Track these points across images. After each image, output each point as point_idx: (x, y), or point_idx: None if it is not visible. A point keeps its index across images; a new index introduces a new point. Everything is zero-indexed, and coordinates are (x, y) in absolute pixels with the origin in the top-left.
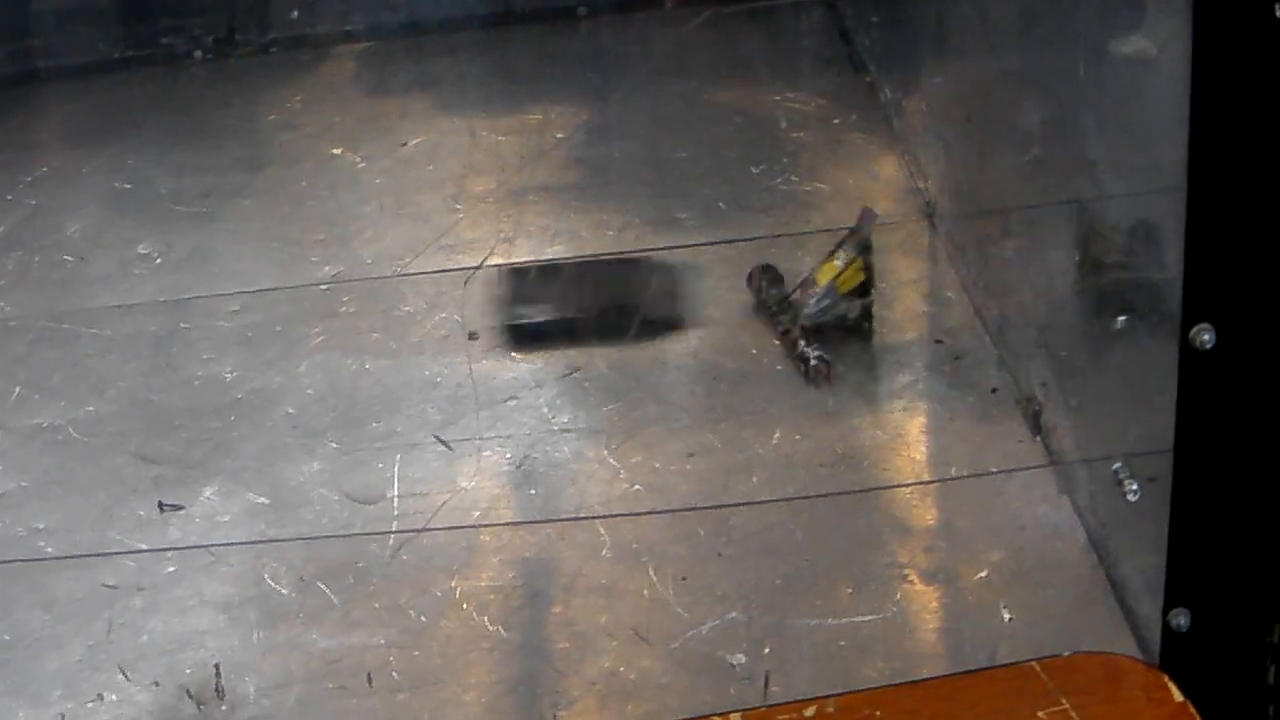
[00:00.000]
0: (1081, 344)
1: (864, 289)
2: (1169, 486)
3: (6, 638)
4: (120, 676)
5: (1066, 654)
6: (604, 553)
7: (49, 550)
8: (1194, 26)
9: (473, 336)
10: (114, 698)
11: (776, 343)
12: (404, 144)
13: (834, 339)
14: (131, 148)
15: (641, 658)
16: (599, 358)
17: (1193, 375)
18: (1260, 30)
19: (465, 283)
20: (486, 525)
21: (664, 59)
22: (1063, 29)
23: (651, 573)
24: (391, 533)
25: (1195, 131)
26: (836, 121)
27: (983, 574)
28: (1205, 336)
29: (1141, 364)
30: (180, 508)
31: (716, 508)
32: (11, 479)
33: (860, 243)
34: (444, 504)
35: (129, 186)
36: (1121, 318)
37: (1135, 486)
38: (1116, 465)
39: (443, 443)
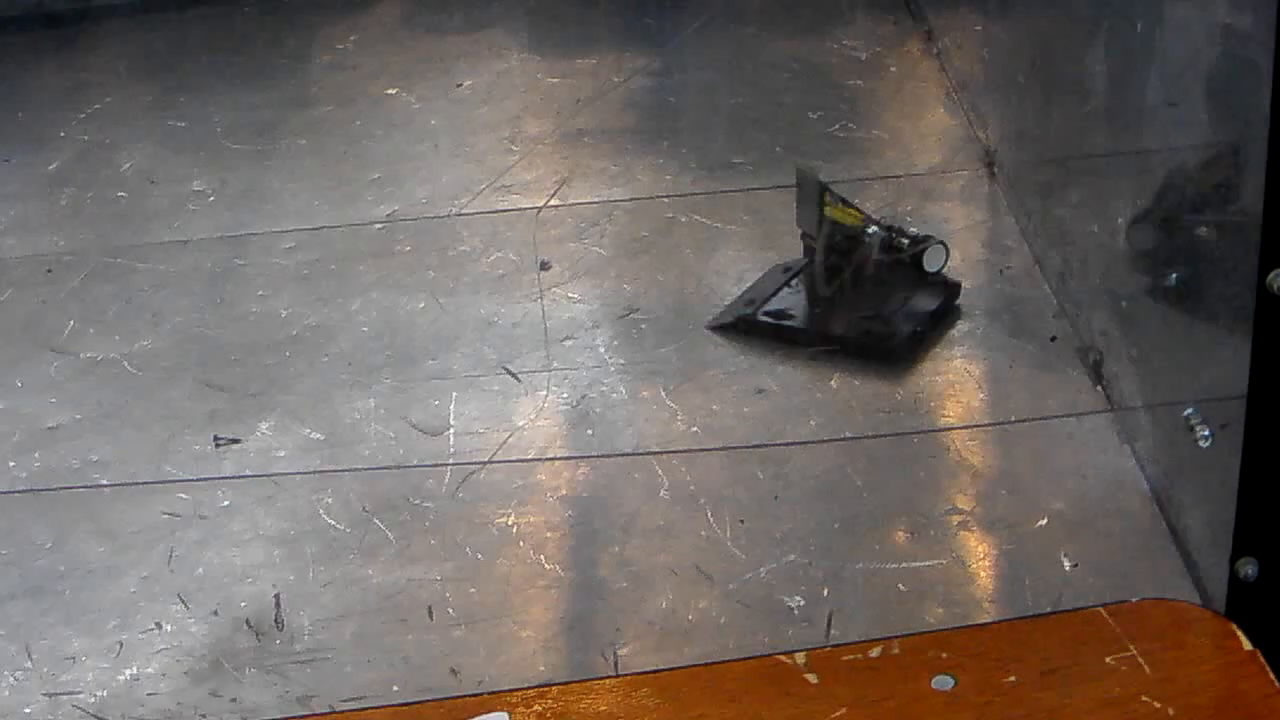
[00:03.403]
0: (1144, 293)
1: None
2: (1239, 434)
3: (62, 568)
4: (176, 607)
5: (1134, 600)
6: (661, 493)
7: (104, 482)
8: None
9: (545, 266)
10: (170, 628)
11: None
12: (459, 85)
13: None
14: (185, 85)
15: (699, 598)
16: (656, 300)
17: (1270, 319)
18: None
19: (538, 212)
20: (545, 460)
21: (720, 4)
22: None
23: (709, 514)
24: (449, 465)
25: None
26: (894, 69)
27: (1043, 522)
28: None
29: (1210, 311)
30: (236, 441)
31: (774, 445)
32: (66, 411)
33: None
34: (503, 442)
35: (183, 124)
36: (1174, 274)
37: (1208, 433)
38: (1188, 411)
39: (511, 374)
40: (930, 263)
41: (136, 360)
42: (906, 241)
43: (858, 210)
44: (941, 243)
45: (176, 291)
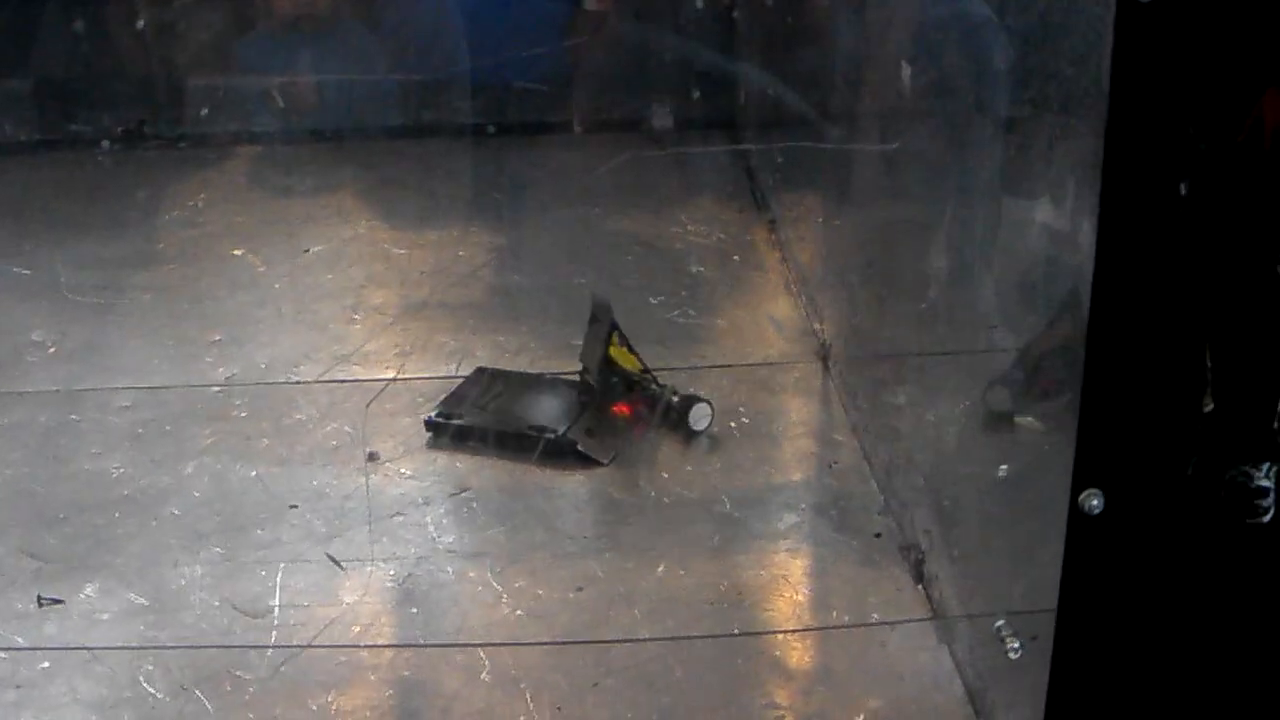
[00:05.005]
0: (967, 495)
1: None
2: (1049, 645)
3: None
4: None
5: None
6: (483, 676)
7: None
8: (1100, 201)
9: (372, 457)
10: None
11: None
12: (306, 250)
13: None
14: (31, 233)
15: None
16: (489, 479)
17: (1080, 538)
18: (1165, 207)
19: (367, 405)
20: (368, 646)
21: (569, 182)
22: (968, 189)
23: (529, 700)
24: (271, 647)
25: (1096, 303)
26: (736, 258)
27: None
28: (1094, 501)
29: (1027, 520)
30: (59, 602)
31: (596, 643)
32: None
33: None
34: (328, 619)
35: (27, 272)
36: (1004, 466)
37: (1017, 645)
38: (999, 623)
39: (334, 561)
40: (696, 421)
41: None
42: (676, 399)
43: (637, 358)
44: (707, 402)
45: (7, 444)
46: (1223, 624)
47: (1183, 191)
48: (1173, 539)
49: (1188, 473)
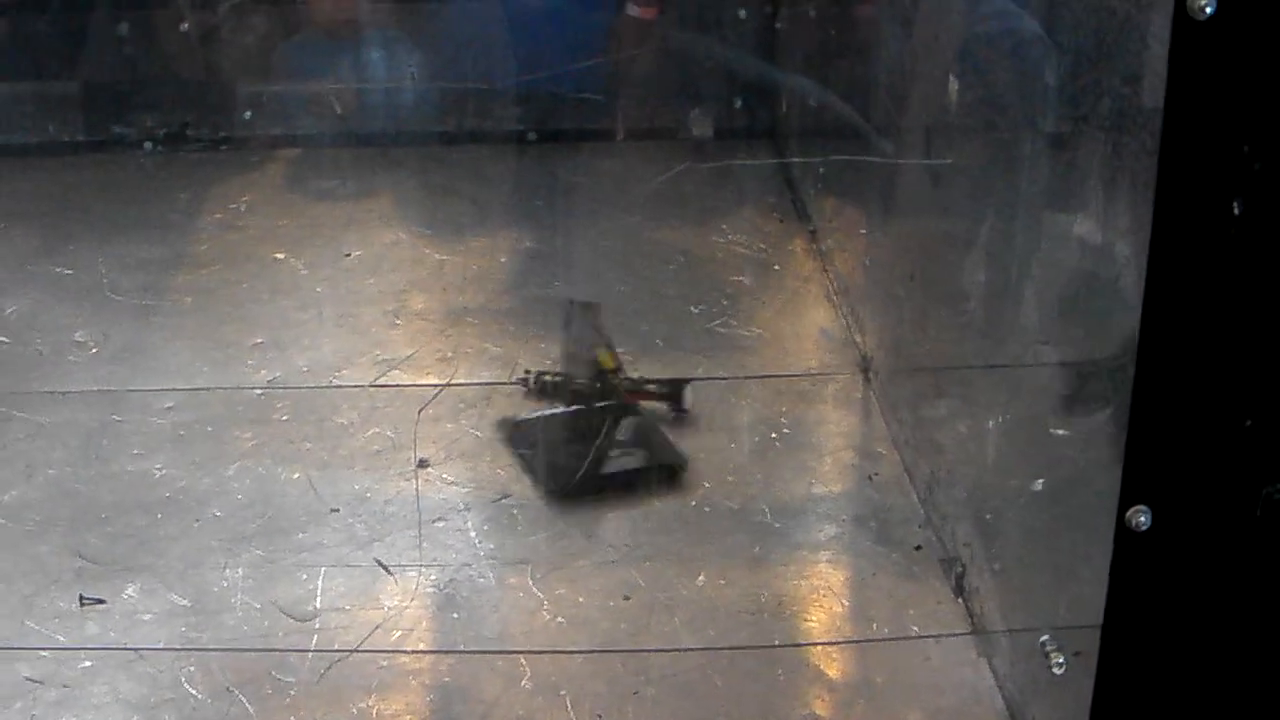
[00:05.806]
0: (1009, 509)
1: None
2: (1093, 661)
3: None
4: None
5: None
6: (523, 683)
7: None
8: (1153, 218)
9: (423, 464)
10: None
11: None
12: (347, 255)
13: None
14: (75, 234)
15: None
16: (530, 486)
17: (1127, 555)
18: (1217, 226)
19: (419, 412)
20: (409, 651)
21: (610, 190)
22: (1015, 204)
23: (569, 707)
24: (312, 651)
25: (1146, 319)
26: (777, 267)
27: None
28: (1142, 518)
29: (1070, 535)
30: (101, 602)
31: (636, 651)
32: None
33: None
34: (369, 623)
35: (69, 272)
36: (1040, 480)
37: (1062, 660)
38: (1044, 638)
39: (383, 567)
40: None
41: (5, 511)
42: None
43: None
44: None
45: (51, 444)
46: (1270, 643)
47: (1236, 210)
48: (1219, 556)
49: (1233, 490)
